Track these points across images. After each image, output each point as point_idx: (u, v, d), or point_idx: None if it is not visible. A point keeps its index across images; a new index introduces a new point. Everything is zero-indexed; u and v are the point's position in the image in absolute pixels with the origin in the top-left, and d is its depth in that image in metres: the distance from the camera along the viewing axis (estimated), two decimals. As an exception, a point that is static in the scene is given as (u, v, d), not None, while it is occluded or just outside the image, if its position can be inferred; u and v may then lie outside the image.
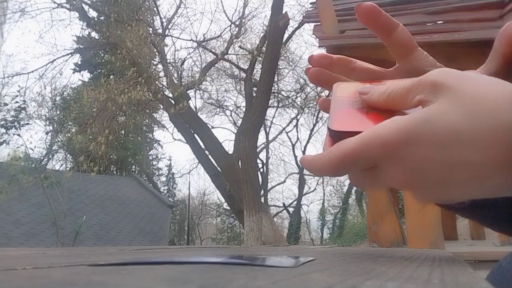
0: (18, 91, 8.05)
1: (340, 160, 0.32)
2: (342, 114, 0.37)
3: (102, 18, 11.00)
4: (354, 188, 16.94)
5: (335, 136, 0.35)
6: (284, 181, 20.33)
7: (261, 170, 17.55)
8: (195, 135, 9.23)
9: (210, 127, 11.39)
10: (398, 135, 0.30)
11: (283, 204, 20.00)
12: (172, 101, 8.57)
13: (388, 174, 0.33)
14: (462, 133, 0.29)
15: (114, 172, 16.62)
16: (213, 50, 11.10)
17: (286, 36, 10.19)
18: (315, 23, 3.88)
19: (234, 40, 11.05)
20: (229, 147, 11.26)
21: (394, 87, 0.35)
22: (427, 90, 0.31)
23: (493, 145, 0.28)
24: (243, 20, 11.47)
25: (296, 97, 16.18)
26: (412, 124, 0.30)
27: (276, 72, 10.22)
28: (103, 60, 14.17)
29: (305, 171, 18.62)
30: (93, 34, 13.34)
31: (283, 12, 7.89)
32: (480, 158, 0.29)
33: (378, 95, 0.36)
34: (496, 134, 0.28)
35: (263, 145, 17.72)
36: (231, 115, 17.17)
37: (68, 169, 9.50)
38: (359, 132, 0.32)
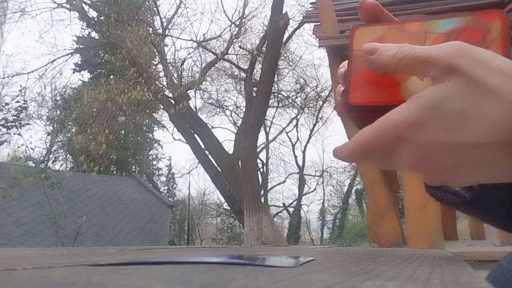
0: (20, 91, 8.05)
1: (361, 148, 0.34)
2: (358, 79, 0.37)
3: (102, 18, 11.00)
4: (354, 188, 16.94)
5: (352, 108, 0.37)
6: (284, 181, 20.35)
7: (261, 170, 17.54)
8: (195, 135, 9.23)
9: (210, 127, 11.40)
10: (407, 118, 0.31)
11: (283, 204, 20.00)
12: (172, 101, 8.57)
13: (401, 156, 0.34)
14: (470, 117, 0.29)
15: (114, 172, 16.61)
16: (213, 50, 11.10)
17: (286, 36, 10.19)
18: (315, 23, 3.88)
19: (234, 40, 11.04)
20: (229, 147, 11.27)
21: (405, 52, 0.33)
22: (440, 70, 0.31)
23: (501, 127, 0.29)
24: (243, 20, 11.48)
25: (296, 97, 16.20)
26: (420, 108, 0.31)
27: (276, 72, 10.22)
28: (103, 60, 14.17)
29: (305, 171, 18.66)
30: (93, 34, 13.34)
31: (283, 12, 7.89)
32: (489, 141, 0.29)
33: (387, 57, 0.34)
34: (505, 116, 0.28)
35: (263, 145, 17.72)
36: (231, 115, 17.19)
37: (68, 169, 9.50)
38: (375, 104, 0.35)
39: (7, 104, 7.91)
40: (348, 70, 0.38)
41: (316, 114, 17.01)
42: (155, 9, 11.04)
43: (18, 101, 7.79)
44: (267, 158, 18.75)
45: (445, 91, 0.30)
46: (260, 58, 9.69)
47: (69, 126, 10.30)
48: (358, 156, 0.35)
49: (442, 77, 0.31)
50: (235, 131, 12.79)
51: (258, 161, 15.38)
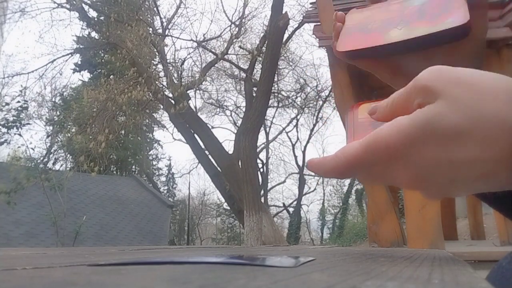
0: (20, 91, 8.04)
1: (345, 164, 0.33)
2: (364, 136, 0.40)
3: (102, 18, 10.99)
4: (354, 188, 16.94)
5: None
6: (284, 181, 20.34)
7: (261, 170, 17.54)
8: (195, 135, 9.23)
9: (210, 127, 11.39)
10: (400, 137, 0.30)
11: (283, 204, 20.00)
12: (172, 101, 8.57)
13: (394, 175, 0.33)
14: (464, 133, 0.29)
15: (114, 172, 16.61)
16: (213, 50, 11.10)
17: (286, 36, 10.18)
18: (315, 23, 3.88)
19: (234, 40, 11.03)
20: (229, 147, 11.26)
21: (394, 97, 0.35)
22: (422, 94, 0.32)
23: (496, 141, 0.28)
24: (243, 20, 11.46)
25: (296, 97, 16.19)
26: (413, 126, 0.30)
27: (276, 72, 10.21)
28: (103, 60, 14.17)
29: (305, 171, 18.63)
30: (93, 34, 13.32)
31: (283, 12, 7.89)
32: (484, 156, 0.29)
33: (383, 109, 0.36)
34: (499, 131, 0.28)
35: (263, 145, 17.71)
36: (231, 115, 17.18)
37: (68, 169, 9.50)
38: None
39: (7, 104, 7.91)
40: (350, 130, 0.43)
41: (316, 114, 17.00)
42: (155, 9, 11.03)
43: (18, 101, 7.79)
44: (267, 158, 18.76)
45: (437, 109, 0.30)
46: (260, 58, 9.68)
47: (69, 126, 10.29)
48: (341, 173, 0.34)
49: (428, 99, 0.31)
50: (235, 131, 12.79)
51: (258, 161, 15.38)
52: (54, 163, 10.98)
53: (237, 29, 11.18)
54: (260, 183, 12.73)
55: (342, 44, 0.48)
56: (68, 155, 10.35)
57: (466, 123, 0.29)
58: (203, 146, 9.19)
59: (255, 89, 9.08)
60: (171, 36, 10.70)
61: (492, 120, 0.28)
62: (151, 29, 10.53)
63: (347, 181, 18.29)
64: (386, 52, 0.46)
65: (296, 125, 18.09)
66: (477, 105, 0.29)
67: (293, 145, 18.59)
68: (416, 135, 0.30)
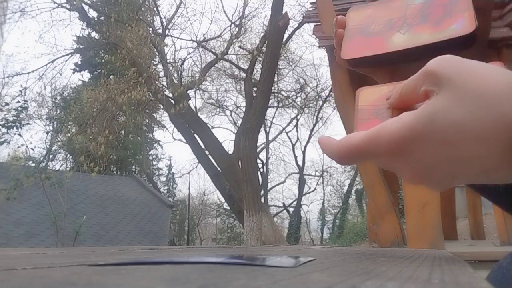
0: (20, 91, 8.04)
1: (346, 152, 0.34)
2: (367, 126, 0.39)
3: (102, 18, 11.00)
4: (354, 188, 16.93)
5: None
6: (284, 181, 20.34)
7: (261, 170, 17.54)
8: (195, 135, 9.23)
9: (210, 127, 11.39)
10: (403, 132, 0.31)
11: (283, 204, 20.00)
12: (172, 101, 8.57)
13: (397, 169, 0.34)
14: (466, 129, 0.29)
15: (114, 172, 16.60)
16: (213, 50, 11.10)
17: (286, 36, 10.18)
18: (315, 23, 3.88)
19: (234, 40, 11.04)
20: (229, 147, 11.27)
21: (404, 84, 0.35)
22: (429, 81, 0.32)
23: (495, 137, 0.28)
24: (243, 20, 11.48)
25: (296, 97, 16.20)
26: (417, 122, 0.30)
27: (276, 72, 10.22)
28: (103, 60, 14.17)
29: (305, 171, 18.65)
30: (93, 34, 13.33)
31: (283, 12, 7.89)
32: (485, 152, 0.29)
33: (395, 96, 0.37)
34: (498, 126, 0.28)
35: (263, 145, 17.72)
36: (231, 115, 17.18)
37: (68, 169, 9.49)
38: None
39: (7, 104, 7.91)
40: (355, 122, 0.41)
41: (316, 114, 17.01)
42: (155, 9, 11.04)
43: (18, 101, 7.79)
44: (267, 158, 18.76)
45: (438, 105, 0.30)
46: (260, 58, 9.69)
47: (69, 126, 10.29)
48: (341, 158, 0.35)
49: (435, 88, 0.31)
50: (235, 131, 12.80)
51: (258, 161, 15.38)
52: (53, 161, 10.97)
53: (237, 29, 11.19)
54: (260, 183, 12.74)
55: (346, 52, 0.47)
56: (68, 155, 10.35)
57: (468, 119, 0.29)
58: (203, 146, 9.20)
59: (255, 89, 9.09)
60: (171, 36, 10.72)
61: (491, 114, 0.28)
62: (151, 29, 10.53)
63: (347, 181, 18.31)
64: (390, 60, 0.45)
65: (296, 125, 18.12)
66: (481, 99, 0.29)
67: (293, 145, 18.61)
68: (419, 132, 0.30)
